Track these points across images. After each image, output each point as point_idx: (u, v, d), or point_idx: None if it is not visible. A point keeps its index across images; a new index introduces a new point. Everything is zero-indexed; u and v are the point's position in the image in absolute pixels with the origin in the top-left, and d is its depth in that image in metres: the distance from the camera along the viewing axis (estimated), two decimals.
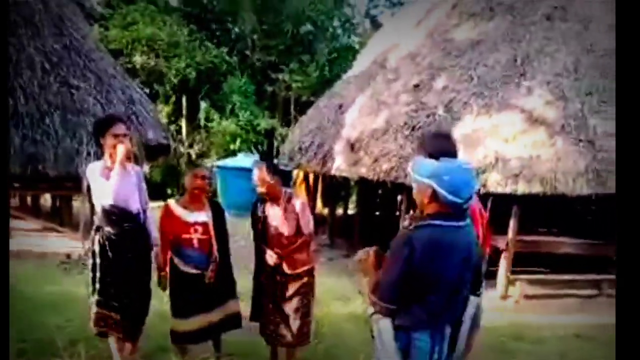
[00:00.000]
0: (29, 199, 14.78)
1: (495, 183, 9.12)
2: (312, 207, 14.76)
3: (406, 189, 10.62)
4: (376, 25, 30.05)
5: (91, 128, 9.61)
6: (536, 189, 9.06)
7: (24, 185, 11.94)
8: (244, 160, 16.30)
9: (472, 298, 3.41)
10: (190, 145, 22.32)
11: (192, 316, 5.23)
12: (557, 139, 9.45)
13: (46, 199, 15.07)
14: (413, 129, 10.54)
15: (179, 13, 23.32)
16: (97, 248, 4.83)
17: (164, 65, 21.57)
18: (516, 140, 9.48)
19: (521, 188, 9.08)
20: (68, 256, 9.83)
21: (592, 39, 10.86)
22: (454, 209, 3.10)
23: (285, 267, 5.32)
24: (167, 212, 5.23)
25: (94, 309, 4.86)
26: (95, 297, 4.85)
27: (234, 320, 5.47)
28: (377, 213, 16.50)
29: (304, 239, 5.38)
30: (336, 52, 24.13)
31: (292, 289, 5.36)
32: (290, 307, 5.35)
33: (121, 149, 4.67)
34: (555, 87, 10.12)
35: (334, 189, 15.54)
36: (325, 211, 15.95)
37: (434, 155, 3.40)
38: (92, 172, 4.79)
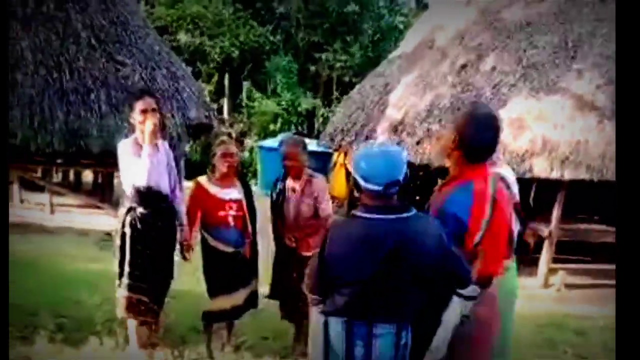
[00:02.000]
0: (71, 174, 14.92)
1: (542, 168, 8.91)
2: (351, 190, 14.62)
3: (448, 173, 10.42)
4: (421, 5, 29.67)
5: None
6: (583, 175, 8.85)
7: (67, 161, 12.03)
8: None
9: (454, 299, 3.11)
10: (231, 125, 22.36)
11: (229, 294, 5.18)
12: (607, 124, 9.17)
13: (87, 175, 15.20)
14: (458, 110, 10.33)
15: None
16: (128, 230, 4.63)
17: (207, 44, 21.58)
18: (565, 125, 9.23)
19: (568, 174, 8.88)
20: (108, 234, 9.83)
21: None
22: (378, 198, 2.93)
23: (301, 249, 5.22)
24: (200, 190, 5.14)
25: (125, 293, 4.68)
26: (126, 280, 4.67)
27: (253, 299, 5.43)
28: (417, 197, 16.29)
29: (320, 221, 5.24)
30: (380, 32, 23.92)
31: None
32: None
33: (149, 126, 4.50)
34: (606, 71, 9.80)
35: None
36: None
37: (468, 143, 3.24)
38: (123, 150, 4.62)
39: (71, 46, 10.59)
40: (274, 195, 5.41)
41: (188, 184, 5.86)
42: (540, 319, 7.17)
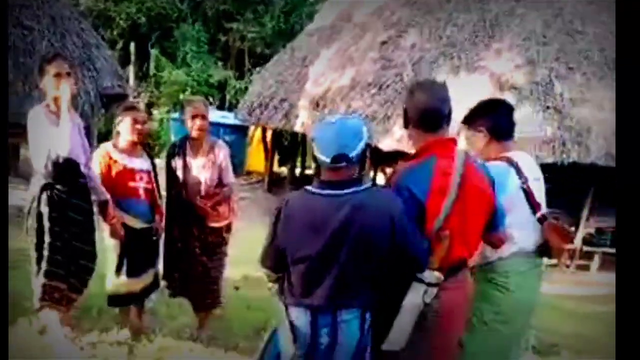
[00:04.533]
0: None
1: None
2: (270, 166, 14.51)
3: (370, 149, 10.46)
4: None
5: None
6: None
7: None
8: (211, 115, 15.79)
9: (415, 285, 2.91)
10: (138, 95, 21.60)
11: (142, 274, 4.85)
12: (525, 104, 9.41)
13: None
14: (380, 87, 10.38)
15: None
16: (45, 209, 4.18)
17: (113, 10, 20.77)
18: None
19: None
20: (20, 209, 9.34)
21: (562, 2, 10.79)
22: (328, 171, 2.83)
23: (208, 219, 4.96)
24: (106, 159, 4.68)
25: (41, 280, 4.25)
26: (44, 266, 4.23)
27: (157, 279, 5.11)
28: None
29: (226, 190, 5.08)
30: (292, 3, 23.61)
31: (211, 244, 5.04)
32: (207, 264, 5.03)
33: (66, 90, 4.14)
34: (524, 51, 10.07)
35: (293, 147, 15.26)
36: (282, 170, 15.73)
37: (413, 114, 3.05)
38: (36, 118, 4.19)
39: None
40: (174, 162, 5.03)
41: None
42: None
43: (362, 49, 11.47)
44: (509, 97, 9.40)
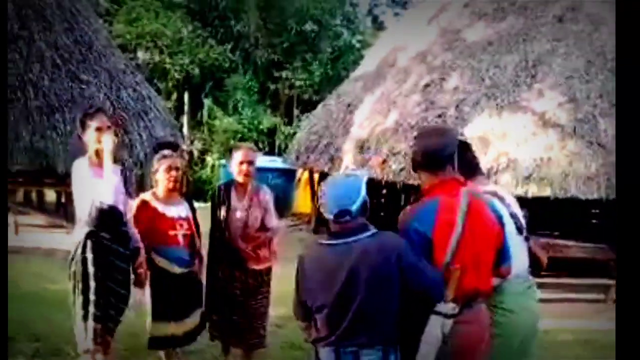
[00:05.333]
0: (33, 194, 14.65)
1: (506, 184, 9.07)
2: (317, 207, 14.69)
3: (414, 190, 10.57)
4: (377, 24, 30.07)
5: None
6: (547, 192, 9.01)
7: (29, 180, 11.84)
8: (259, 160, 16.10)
9: (432, 318, 3.07)
10: (192, 142, 22.23)
11: (182, 319, 4.88)
12: (569, 141, 9.42)
13: (50, 195, 14.93)
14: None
15: (184, 9, 23.20)
16: (90, 255, 4.26)
17: (167, 62, 21.52)
18: (527, 142, 9.43)
19: (532, 190, 9.01)
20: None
21: (603, 40, 10.80)
22: (335, 224, 3.09)
23: (249, 262, 5.06)
24: (146, 209, 4.80)
25: (91, 324, 4.29)
26: (92, 309, 4.29)
27: (204, 321, 5.17)
28: (382, 214, 16.37)
29: (268, 233, 5.16)
30: (339, 50, 24.10)
31: (252, 286, 5.12)
32: (249, 306, 5.10)
33: (109, 142, 4.26)
34: (567, 89, 10.08)
35: None
36: None
37: (417, 157, 3.31)
38: (81, 170, 4.33)
39: (35, 65, 10.49)
40: (219, 205, 5.17)
41: None
42: None
43: (405, 92, 11.64)
44: (552, 135, 9.49)
